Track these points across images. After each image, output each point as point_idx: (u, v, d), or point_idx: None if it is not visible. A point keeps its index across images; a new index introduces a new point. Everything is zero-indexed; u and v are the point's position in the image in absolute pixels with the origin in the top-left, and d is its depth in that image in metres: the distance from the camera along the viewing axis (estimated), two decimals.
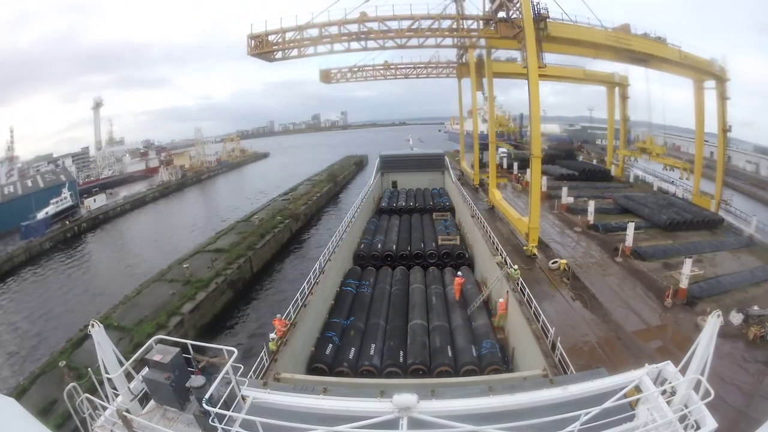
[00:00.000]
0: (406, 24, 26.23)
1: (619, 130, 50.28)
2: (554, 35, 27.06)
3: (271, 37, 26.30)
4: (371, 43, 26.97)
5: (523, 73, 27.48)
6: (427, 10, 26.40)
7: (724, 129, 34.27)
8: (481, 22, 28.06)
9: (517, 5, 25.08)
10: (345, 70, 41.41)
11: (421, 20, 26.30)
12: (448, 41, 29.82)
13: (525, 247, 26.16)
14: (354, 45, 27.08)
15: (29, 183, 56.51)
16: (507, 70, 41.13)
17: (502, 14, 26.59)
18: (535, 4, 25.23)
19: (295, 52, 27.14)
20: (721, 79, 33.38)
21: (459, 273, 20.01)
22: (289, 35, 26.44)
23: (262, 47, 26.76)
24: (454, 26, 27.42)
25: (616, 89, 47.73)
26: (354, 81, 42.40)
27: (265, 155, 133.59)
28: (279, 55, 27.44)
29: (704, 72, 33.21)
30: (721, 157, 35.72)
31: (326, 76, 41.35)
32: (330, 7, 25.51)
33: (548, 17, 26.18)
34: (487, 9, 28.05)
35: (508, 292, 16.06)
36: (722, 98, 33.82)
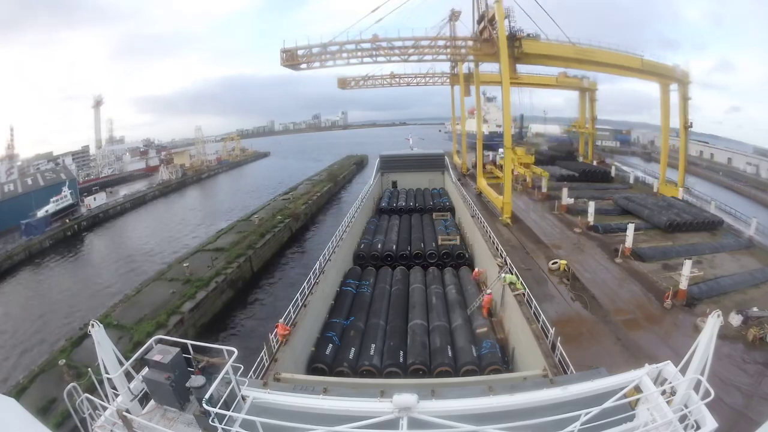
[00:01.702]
0: (409, 43, 32.60)
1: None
2: (528, 51, 33.37)
3: (299, 52, 32.14)
4: (380, 58, 33.47)
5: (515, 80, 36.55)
6: (425, 32, 34.06)
7: (686, 126, 39.45)
8: (469, 42, 35.15)
9: (496, 29, 30.39)
10: (359, 78, 48.61)
11: (421, 41, 33.01)
12: (442, 56, 36.84)
13: (500, 218, 33.28)
14: (366, 59, 33.33)
15: (29, 181, 56.60)
16: (493, 78, 46.27)
17: (485, 35, 33.44)
18: (510, 26, 31.54)
19: (317, 64, 33.08)
20: (683, 83, 37.89)
21: (489, 291, 17.90)
22: (314, 50, 32.31)
23: (292, 60, 32.47)
24: (448, 44, 34.83)
25: (587, 94, 51.59)
26: (366, 88, 49.88)
27: (265, 154, 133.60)
28: (304, 66, 33.29)
29: (667, 77, 37.61)
30: (683, 149, 41.30)
31: (343, 83, 49.39)
32: (348, 29, 32.22)
33: (522, 37, 32.44)
34: (474, 30, 35.71)
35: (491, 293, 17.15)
36: (684, 99, 38.57)
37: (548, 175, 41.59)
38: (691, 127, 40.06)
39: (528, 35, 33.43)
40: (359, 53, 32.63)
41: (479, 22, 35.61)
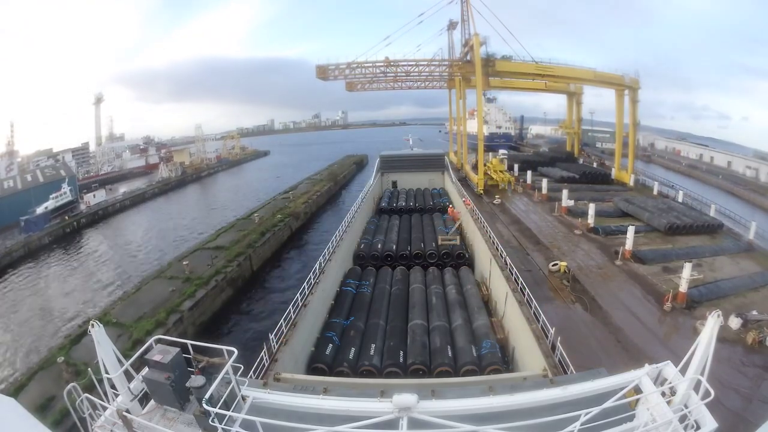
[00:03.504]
0: (412, 63, 46.92)
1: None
2: (499, 70, 45.47)
3: (330, 68, 45.10)
4: (389, 74, 47.69)
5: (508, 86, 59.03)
6: (424, 55, 49.32)
7: (635, 123, 49.74)
8: (456, 63, 49.10)
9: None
10: (365, 82, 51.44)
11: (421, 62, 47.69)
12: (437, 74, 52.20)
13: (476, 189, 44.87)
14: (379, 75, 47.34)
15: (29, 178, 56.34)
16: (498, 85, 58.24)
17: (468, 58, 46.64)
18: (486, 52, 44.17)
19: (341, 77, 46.51)
20: (633, 89, 46.69)
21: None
22: (341, 67, 44.98)
23: (323, 74, 45.10)
24: (441, 64, 49.60)
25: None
26: (371, 90, 55.23)
27: (266, 153, 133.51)
28: (332, 78, 45.90)
29: (619, 84, 46.52)
30: (632, 142, 50.61)
31: (351, 86, 52.61)
32: (366, 52, 45.56)
33: (495, 60, 44.54)
34: (461, 51, 49.77)
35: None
36: (633, 102, 47.77)
37: (513, 179, 49.05)
38: (639, 124, 51.98)
39: (503, 56, 45.09)
40: (374, 70, 45.29)
41: (464, 46, 47.95)
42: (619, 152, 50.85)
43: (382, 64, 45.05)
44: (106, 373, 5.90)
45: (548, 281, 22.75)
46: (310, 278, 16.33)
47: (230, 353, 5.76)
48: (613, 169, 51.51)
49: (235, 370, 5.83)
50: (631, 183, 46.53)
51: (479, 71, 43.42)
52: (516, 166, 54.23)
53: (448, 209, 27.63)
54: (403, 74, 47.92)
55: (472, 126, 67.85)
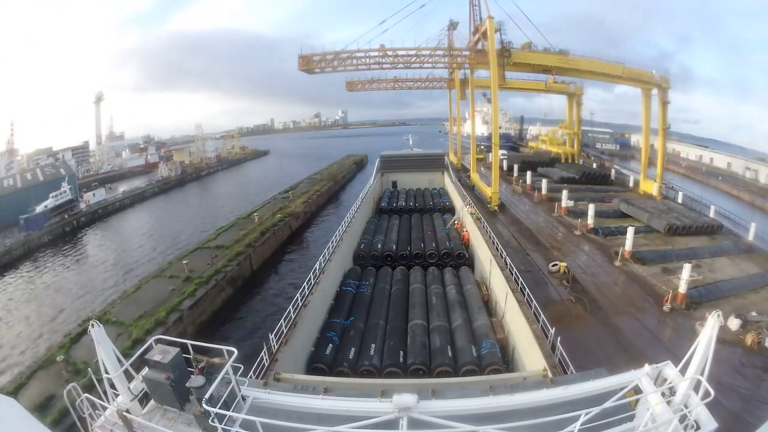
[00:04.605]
0: (412, 53, 38.23)
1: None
2: (516, 61, 38.47)
3: (315, 58, 37.31)
4: (385, 65, 38.73)
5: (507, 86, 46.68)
6: (427, 40, 41.50)
7: (665, 127, 42.61)
8: (465, 52, 41.37)
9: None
10: (365, 81, 50.18)
11: (422, 51, 38.67)
12: (441, 65, 43.16)
13: (489, 205, 38.71)
14: (373, 66, 38.74)
15: (29, 176, 56.30)
16: (487, 84, 47.71)
17: (479, 47, 39.48)
18: (501, 39, 36.95)
19: (329, 69, 37.81)
20: (662, 88, 40.99)
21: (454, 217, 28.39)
22: (328, 57, 37.30)
23: (307, 65, 37.18)
24: (446, 54, 41.36)
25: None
26: (371, 90, 53.42)
27: (265, 152, 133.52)
28: (318, 70, 37.88)
29: (648, 82, 40.74)
30: (662, 149, 43.62)
31: (351, 86, 51.83)
32: (358, 39, 38.57)
33: (511, 49, 37.70)
34: (470, 40, 42.00)
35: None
36: (663, 103, 41.88)
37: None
38: (669, 128, 43.99)
39: (529, 44, 39.11)
40: (367, 60, 37.60)
41: (474, 34, 41.07)
42: (646, 159, 44.50)
43: (376, 53, 37.24)
44: (106, 372, 5.90)
45: (548, 282, 22.75)
46: (310, 278, 16.31)
47: (230, 353, 5.76)
48: (639, 178, 45.71)
49: (235, 370, 5.84)
50: (655, 191, 41.28)
51: (494, 61, 35.55)
52: (516, 167, 54.24)
53: (456, 224, 26.50)
54: (402, 65, 39.59)
55: (478, 127, 66.58)
